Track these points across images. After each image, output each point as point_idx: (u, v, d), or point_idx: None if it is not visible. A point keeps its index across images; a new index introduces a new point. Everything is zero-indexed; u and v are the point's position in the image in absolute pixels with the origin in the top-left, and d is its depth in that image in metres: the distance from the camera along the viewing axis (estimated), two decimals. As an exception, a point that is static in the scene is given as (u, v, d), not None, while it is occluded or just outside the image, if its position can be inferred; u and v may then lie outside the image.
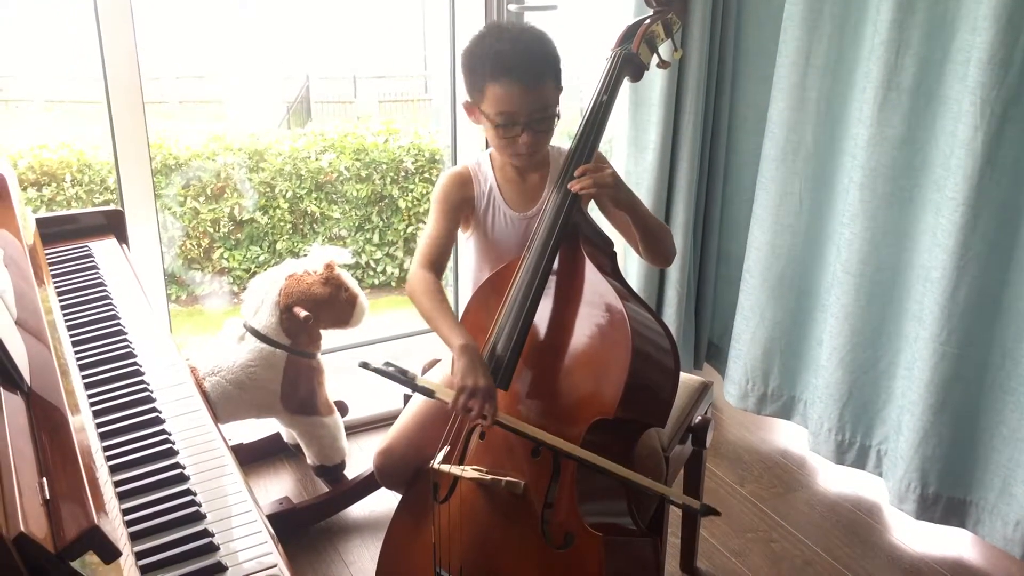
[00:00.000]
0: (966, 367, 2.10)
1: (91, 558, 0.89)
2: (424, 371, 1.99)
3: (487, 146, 1.85)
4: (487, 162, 1.84)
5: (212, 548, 1.13)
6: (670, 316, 2.70)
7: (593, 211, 1.87)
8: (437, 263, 1.73)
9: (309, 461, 2.41)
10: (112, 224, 2.08)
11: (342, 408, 2.53)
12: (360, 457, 2.56)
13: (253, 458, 2.53)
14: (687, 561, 2.18)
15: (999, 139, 1.94)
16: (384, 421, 2.69)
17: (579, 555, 1.52)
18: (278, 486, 2.46)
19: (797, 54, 2.32)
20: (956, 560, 2.25)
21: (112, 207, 2.13)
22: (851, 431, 2.43)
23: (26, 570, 0.83)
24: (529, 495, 1.57)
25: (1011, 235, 2.00)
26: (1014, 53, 1.89)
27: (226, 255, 4.57)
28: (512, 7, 2.54)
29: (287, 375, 2.25)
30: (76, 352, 1.54)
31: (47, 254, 1.89)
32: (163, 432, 1.34)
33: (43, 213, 2.13)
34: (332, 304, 2.26)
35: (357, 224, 4.73)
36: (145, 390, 1.45)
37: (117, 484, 1.22)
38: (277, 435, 2.57)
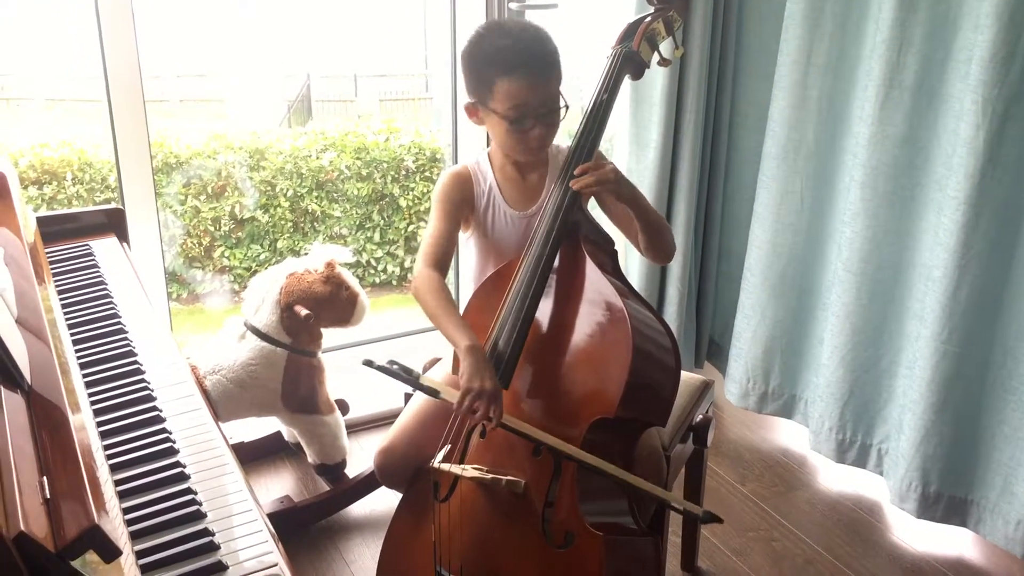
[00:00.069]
0: (967, 366, 2.10)
1: (91, 557, 0.89)
2: (425, 370, 1.98)
3: (488, 144, 1.85)
4: (486, 161, 1.84)
5: (212, 547, 1.13)
6: (671, 314, 2.70)
7: (594, 210, 1.87)
8: (441, 262, 1.73)
9: (310, 460, 2.41)
10: (113, 223, 2.08)
11: (343, 407, 2.53)
12: (361, 456, 2.56)
13: (254, 457, 2.53)
14: (688, 560, 2.18)
15: (1001, 137, 1.94)
16: (385, 420, 2.69)
17: (580, 554, 1.52)
18: (279, 485, 2.46)
19: (798, 52, 2.32)
20: (957, 559, 2.24)
21: (113, 206, 2.13)
22: (852, 430, 2.42)
23: (26, 569, 0.82)
24: (530, 494, 1.57)
25: (1013, 234, 2.00)
26: (1016, 51, 1.89)
27: (227, 253, 4.56)
28: (513, 5, 2.53)
29: (288, 374, 2.25)
30: (76, 351, 1.54)
31: (48, 253, 1.89)
32: (163, 431, 1.34)
33: (44, 212, 2.13)
34: (333, 303, 2.26)
35: (358, 223, 4.72)
36: (145, 389, 1.45)
37: (117, 483, 1.22)
38: (278, 434, 2.57)
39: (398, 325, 3.15)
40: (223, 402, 2.18)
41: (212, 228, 4.51)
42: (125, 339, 1.59)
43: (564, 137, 1.82)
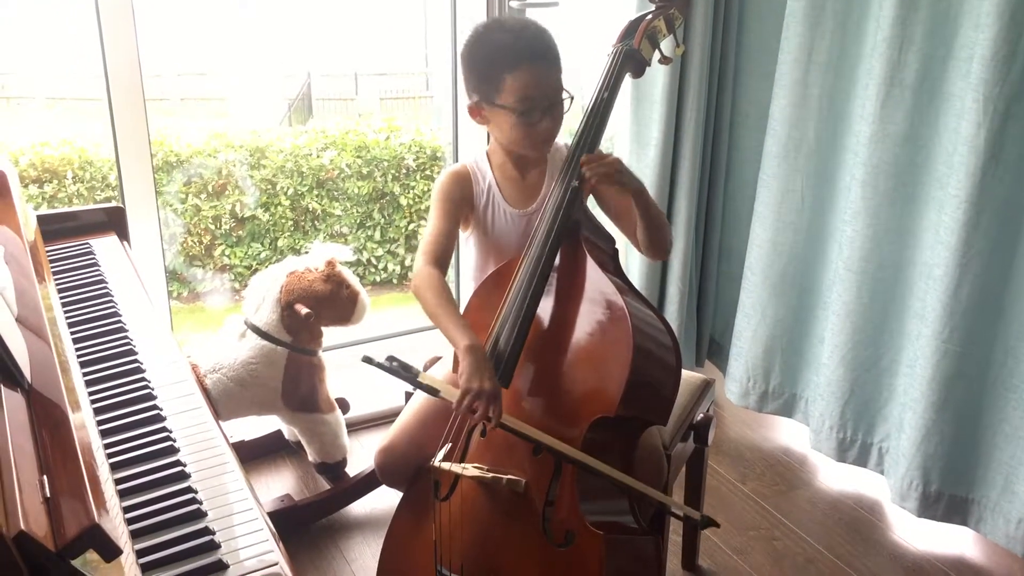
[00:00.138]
0: (968, 365, 2.10)
1: (92, 556, 0.89)
2: (425, 368, 1.98)
3: (488, 142, 1.85)
4: (484, 160, 1.83)
5: (213, 546, 1.13)
6: (672, 313, 2.70)
7: (594, 208, 1.87)
8: (442, 260, 1.72)
9: (310, 458, 2.41)
10: (113, 221, 2.08)
11: (343, 405, 2.53)
12: (361, 454, 2.56)
13: (254, 455, 2.53)
14: (688, 559, 2.18)
15: (1002, 136, 1.94)
16: (385, 418, 2.69)
17: (580, 553, 1.52)
18: (279, 483, 2.46)
19: (799, 50, 2.32)
20: (958, 558, 2.24)
21: (113, 204, 2.13)
22: (853, 429, 2.42)
23: (26, 568, 0.82)
24: (530, 493, 1.57)
25: (1014, 232, 2.00)
26: (1017, 49, 1.89)
27: (227, 252, 4.56)
28: (514, 4, 2.53)
29: (288, 372, 2.25)
30: (77, 349, 1.54)
31: (48, 251, 1.89)
32: (164, 430, 1.34)
33: (44, 210, 2.13)
34: (333, 301, 2.26)
35: (358, 221, 4.72)
36: (146, 387, 1.45)
37: (118, 482, 1.22)
38: (278, 432, 2.57)
39: (399, 324, 3.14)
40: (223, 401, 2.18)
41: (213, 226, 4.51)
42: (125, 338, 1.59)
43: (565, 136, 1.81)
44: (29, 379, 1.10)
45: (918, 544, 2.29)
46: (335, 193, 4.66)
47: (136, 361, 1.52)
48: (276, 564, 1.11)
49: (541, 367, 1.63)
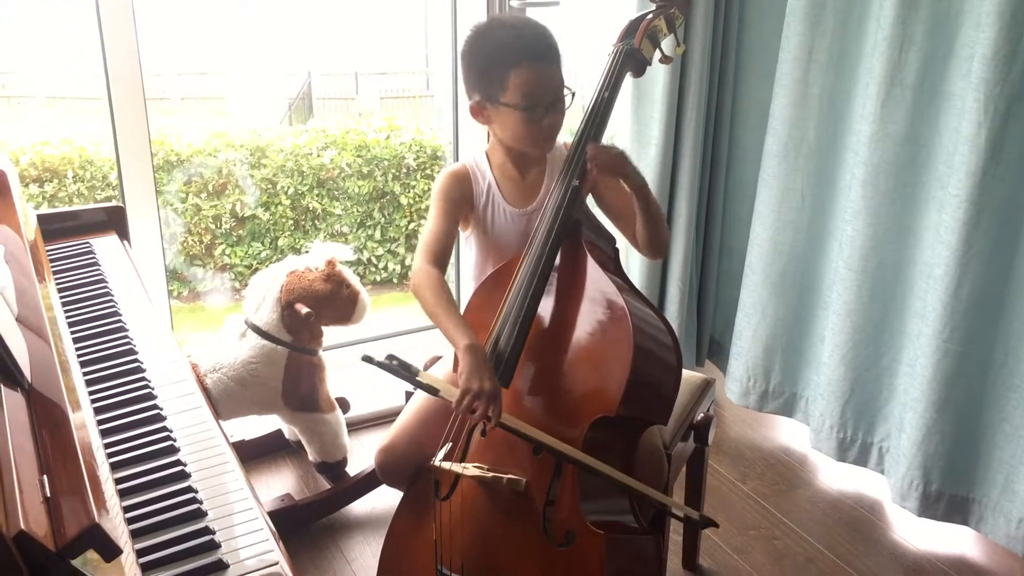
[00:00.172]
0: (969, 364, 2.09)
1: (92, 556, 0.89)
2: (426, 368, 1.98)
3: (488, 142, 1.85)
4: (484, 160, 1.83)
5: (213, 545, 1.12)
6: (672, 312, 2.70)
7: (593, 208, 1.87)
8: (441, 258, 1.72)
9: (311, 458, 2.41)
10: (113, 220, 2.08)
11: (344, 405, 2.53)
12: (362, 454, 2.56)
13: (255, 455, 2.53)
14: (689, 558, 2.18)
15: (1003, 135, 1.94)
16: (386, 418, 2.69)
17: (581, 552, 1.52)
18: (280, 483, 2.46)
19: (800, 49, 2.32)
20: (959, 557, 2.24)
21: (113, 203, 2.13)
22: (853, 428, 2.42)
23: (26, 568, 0.82)
24: (531, 493, 1.57)
25: (1014, 232, 2.00)
26: (1018, 49, 1.89)
27: (228, 251, 4.56)
28: (515, 3, 2.53)
29: (288, 372, 2.25)
30: (77, 349, 1.54)
31: (48, 250, 1.89)
32: (164, 429, 1.34)
33: (45, 209, 2.13)
34: (334, 301, 2.26)
35: (359, 220, 4.72)
36: (146, 387, 1.45)
37: (118, 481, 1.22)
38: (279, 432, 2.57)
39: (399, 323, 3.15)
40: (224, 400, 2.18)
41: (213, 226, 4.51)
42: (125, 337, 1.59)
43: (565, 135, 1.82)
44: (29, 379, 1.10)
45: (918, 544, 2.29)
46: (335, 192, 4.66)
47: (136, 360, 1.52)
48: (276, 564, 1.11)
49: (542, 367, 1.62)
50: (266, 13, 5.33)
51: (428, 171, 4.71)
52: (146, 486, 1.22)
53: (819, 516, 2.40)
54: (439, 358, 1.98)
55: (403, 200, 4.72)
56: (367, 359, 1.50)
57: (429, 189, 4.64)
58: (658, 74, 2.47)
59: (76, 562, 0.87)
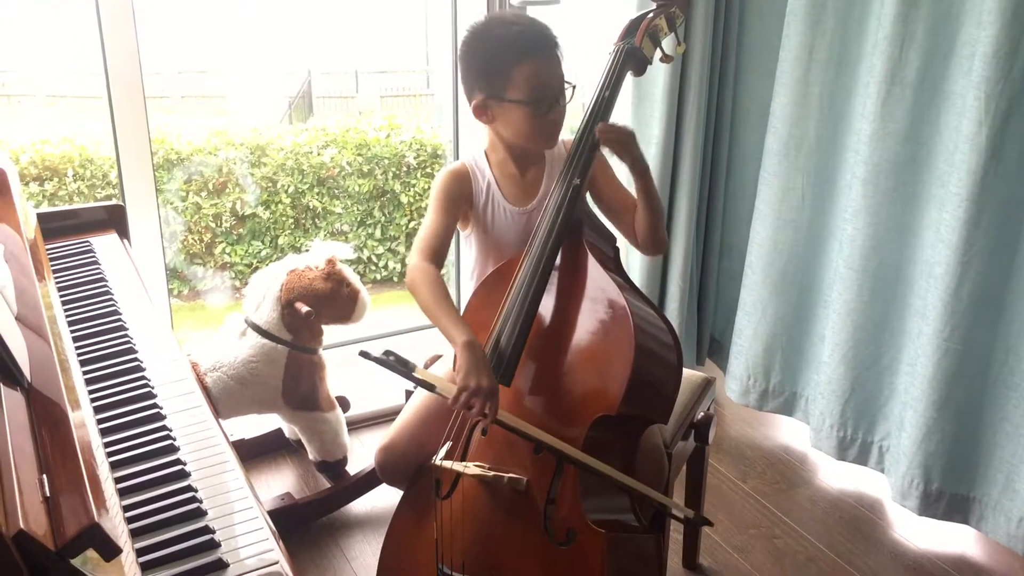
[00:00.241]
0: (969, 363, 2.09)
1: (91, 555, 0.89)
2: (426, 366, 1.98)
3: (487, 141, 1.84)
4: (483, 158, 1.83)
5: (213, 545, 1.12)
6: (673, 311, 2.70)
7: (594, 207, 1.87)
8: (437, 255, 1.71)
9: (311, 457, 2.41)
10: (113, 219, 2.08)
11: (344, 404, 2.52)
12: (362, 453, 2.56)
13: (255, 454, 2.53)
14: (689, 557, 2.18)
15: (1003, 134, 1.93)
16: (386, 417, 2.69)
17: (582, 551, 1.52)
18: (280, 482, 2.46)
19: (800, 48, 2.31)
20: (959, 556, 2.24)
21: (113, 202, 2.13)
22: (853, 427, 2.42)
23: (26, 567, 0.82)
24: (532, 491, 1.57)
25: (1015, 231, 2.00)
26: (1020, 47, 1.88)
27: (228, 250, 4.56)
28: (515, 1, 2.53)
29: (288, 371, 2.25)
30: (77, 348, 1.54)
31: (48, 249, 1.88)
32: (164, 428, 1.34)
33: (45, 208, 2.13)
34: (334, 299, 2.26)
35: (359, 219, 4.72)
36: (146, 386, 1.45)
37: (118, 480, 1.22)
38: (279, 431, 2.57)
39: (399, 322, 3.14)
40: (224, 399, 2.18)
41: (213, 224, 4.51)
42: (125, 336, 1.59)
43: (566, 133, 1.81)
44: (29, 378, 1.10)
45: (919, 542, 2.29)
46: (336, 191, 4.66)
47: (136, 359, 1.52)
48: (276, 563, 1.10)
49: (542, 366, 1.62)
50: (266, 12, 5.33)
51: (428, 170, 4.70)
52: (146, 485, 1.22)
53: (819, 515, 2.40)
54: (439, 357, 1.98)
55: (403, 199, 4.72)
56: (364, 355, 1.50)
57: (429, 188, 4.65)
58: (658, 73, 2.47)
59: (76, 561, 0.86)
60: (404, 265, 4.74)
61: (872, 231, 2.24)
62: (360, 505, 2.37)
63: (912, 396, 2.20)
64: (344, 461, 2.42)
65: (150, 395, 1.42)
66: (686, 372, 1.86)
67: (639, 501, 1.62)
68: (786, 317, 2.54)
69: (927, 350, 2.13)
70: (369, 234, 4.73)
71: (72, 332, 1.59)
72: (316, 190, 4.61)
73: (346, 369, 2.52)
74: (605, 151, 1.75)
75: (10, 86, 5.41)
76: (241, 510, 1.19)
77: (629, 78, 1.84)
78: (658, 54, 1.88)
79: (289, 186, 4.54)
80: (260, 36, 5.27)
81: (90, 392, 1.41)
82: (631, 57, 1.80)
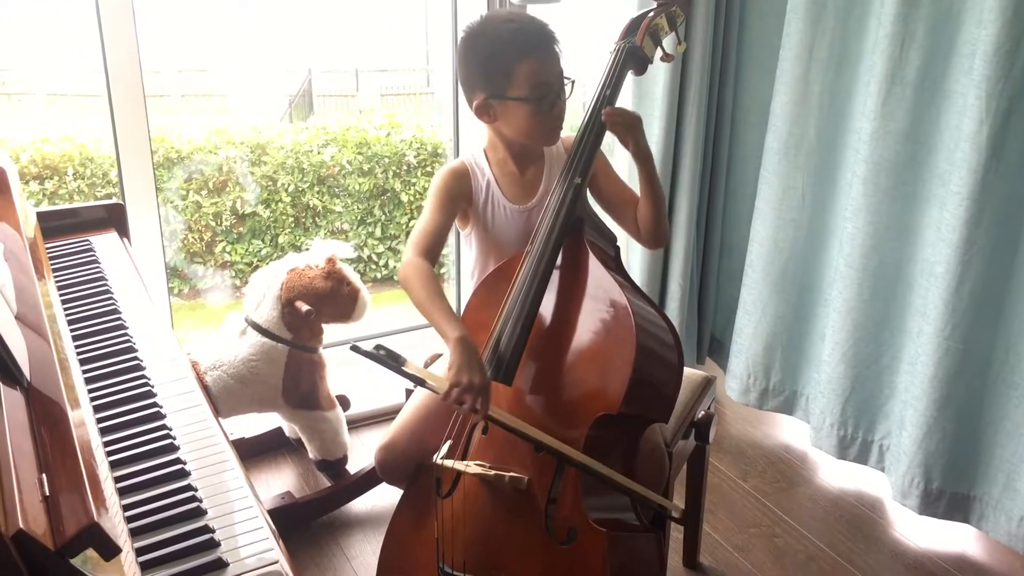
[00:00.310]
0: (970, 362, 2.09)
1: (91, 554, 0.89)
2: (426, 365, 1.98)
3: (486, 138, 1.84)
4: (482, 157, 1.83)
5: (213, 544, 1.12)
6: (673, 310, 2.70)
7: (594, 206, 1.86)
8: (432, 252, 1.71)
9: (311, 456, 2.41)
10: (113, 218, 2.08)
11: (344, 402, 2.52)
12: (362, 452, 2.56)
13: (254, 453, 2.53)
14: (690, 556, 2.18)
15: (1004, 133, 1.93)
16: (386, 416, 2.69)
17: (583, 550, 1.52)
18: (280, 481, 2.46)
19: (800, 47, 2.31)
20: (959, 556, 2.24)
21: (113, 201, 2.13)
22: (853, 426, 2.42)
23: (25, 567, 0.82)
24: (533, 490, 1.57)
25: (1016, 230, 1.99)
26: (1020, 45, 1.88)
27: (228, 249, 4.56)
28: (515, 0, 2.52)
29: (289, 369, 2.25)
30: (76, 347, 1.54)
31: (48, 248, 1.88)
32: (164, 427, 1.34)
33: (44, 207, 2.13)
34: (334, 298, 2.25)
35: (359, 218, 4.72)
36: (146, 385, 1.44)
37: (117, 480, 1.22)
38: (279, 430, 2.57)
39: (399, 321, 3.14)
40: (224, 398, 2.18)
41: (213, 223, 4.51)
42: (125, 335, 1.59)
43: (566, 131, 1.81)
44: (28, 377, 1.10)
45: (919, 541, 2.29)
46: (336, 190, 4.65)
47: (136, 358, 1.52)
48: (276, 562, 1.10)
49: (543, 365, 1.62)
50: (266, 10, 5.32)
51: (428, 168, 4.70)
52: (145, 484, 1.22)
53: (820, 514, 2.39)
54: (439, 356, 1.98)
55: (404, 197, 4.71)
56: (355, 348, 1.48)
57: (429, 186, 4.64)
58: (659, 72, 2.47)
59: (75, 561, 0.86)
60: (404, 264, 4.74)
61: (872, 230, 2.24)
62: (360, 504, 2.37)
63: (912, 395, 2.20)
64: (344, 460, 2.42)
65: (150, 394, 1.42)
66: (686, 371, 1.86)
67: (640, 500, 1.62)
68: (786, 316, 2.54)
69: (928, 349, 2.13)
70: (369, 233, 4.73)
71: (72, 331, 1.58)
72: (316, 189, 4.60)
73: (346, 368, 2.52)
74: (608, 142, 1.75)
75: (10, 84, 5.40)
76: (241, 509, 1.19)
77: (630, 77, 1.84)
78: (659, 53, 1.88)
79: (289, 185, 4.54)
80: (260, 35, 5.27)
81: (90, 391, 1.41)
82: (632, 56, 1.80)
